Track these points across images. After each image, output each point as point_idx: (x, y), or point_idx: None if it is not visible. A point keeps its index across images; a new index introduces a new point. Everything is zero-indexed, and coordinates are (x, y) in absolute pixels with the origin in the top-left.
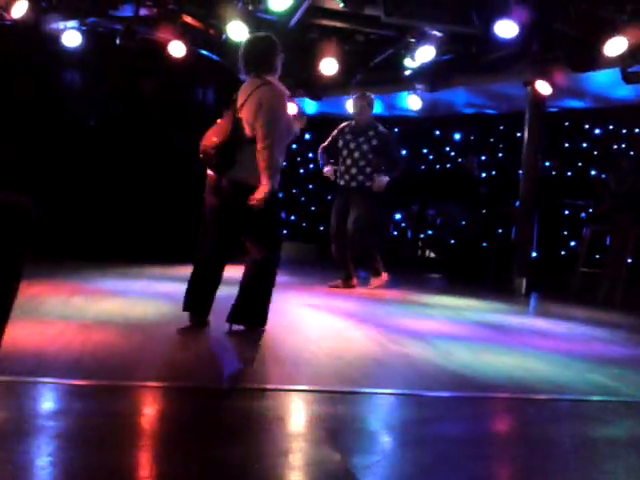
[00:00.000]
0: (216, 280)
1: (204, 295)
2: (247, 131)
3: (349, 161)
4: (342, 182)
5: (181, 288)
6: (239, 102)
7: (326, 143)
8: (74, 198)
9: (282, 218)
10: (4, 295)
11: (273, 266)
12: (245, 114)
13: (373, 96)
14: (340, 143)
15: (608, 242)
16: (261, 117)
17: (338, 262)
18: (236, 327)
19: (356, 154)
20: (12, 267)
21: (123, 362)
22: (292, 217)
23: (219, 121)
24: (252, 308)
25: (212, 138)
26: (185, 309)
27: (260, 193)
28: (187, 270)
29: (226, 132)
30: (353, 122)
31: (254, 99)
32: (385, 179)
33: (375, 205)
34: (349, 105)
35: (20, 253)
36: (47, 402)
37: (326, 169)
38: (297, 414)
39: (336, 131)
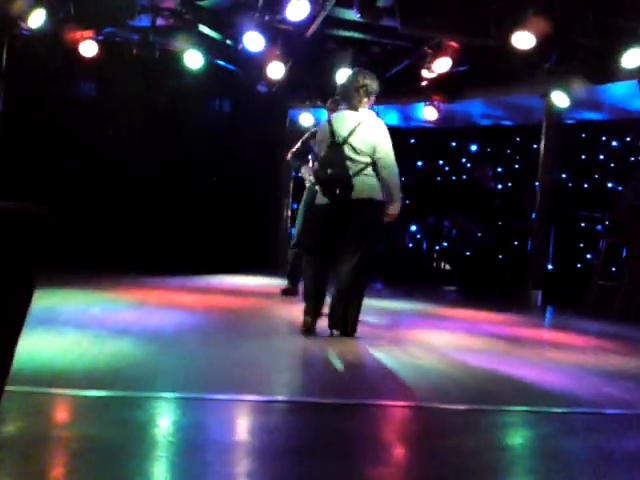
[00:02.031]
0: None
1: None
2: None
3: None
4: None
5: (197, 299)
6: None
7: (295, 148)
8: (91, 209)
9: None
10: (19, 304)
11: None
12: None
13: None
14: (312, 142)
15: (624, 254)
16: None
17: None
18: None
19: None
20: (28, 276)
21: (139, 372)
22: None
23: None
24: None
25: (328, 169)
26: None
27: (395, 210)
28: (203, 281)
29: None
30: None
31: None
32: None
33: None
34: (329, 109)
35: (36, 262)
36: (62, 412)
37: (303, 169)
38: (309, 426)
39: (307, 135)
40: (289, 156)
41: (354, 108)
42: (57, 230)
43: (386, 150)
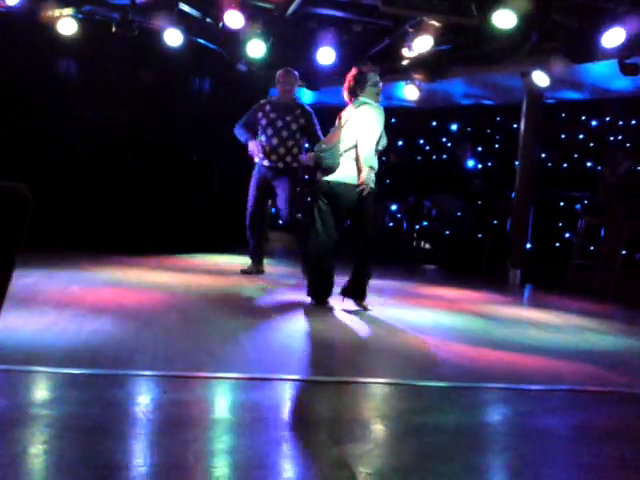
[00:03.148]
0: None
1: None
2: None
3: (275, 140)
4: (266, 162)
5: (178, 278)
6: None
7: (243, 121)
8: (71, 188)
9: None
10: None
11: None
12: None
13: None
14: (263, 122)
15: (603, 234)
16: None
17: (253, 244)
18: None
19: (284, 133)
20: (7, 255)
21: (118, 351)
22: None
23: None
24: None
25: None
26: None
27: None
28: (182, 260)
29: None
30: (274, 99)
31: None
32: (311, 155)
33: (295, 190)
34: (281, 83)
35: (15, 240)
36: (42, 391)
37: (252, 143)
38: (290, 403)
39: (255, 108)
40: (236, 127)
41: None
42: (36, 208)
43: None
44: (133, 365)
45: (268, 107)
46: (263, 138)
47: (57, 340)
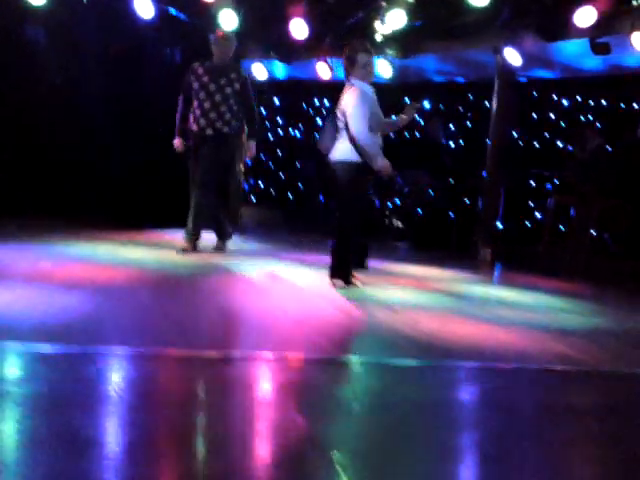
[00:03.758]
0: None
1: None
2: None
3: (207, 104)
4: (195, 127)
5: (149, 253)
6: None
7: (181, 94)
8: (39, 158)
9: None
10: None
11: None
12: None
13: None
14: (195, 85)
15: (572, 213)
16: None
17: (188, 221)
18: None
19: (217, 97)
20: None
21: (89, 328)
22: (260, 184)
23: None
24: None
25: None
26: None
27: None
28: (155, 236)
29: None
30: (208, 62)
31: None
32: (254, 145)
33: (227, 157)
34: (218, 45)
35: None
36: (11, 367)
37: (176, 142)
38: (263, 381)
39: (187, 73)
40: (179, 103)
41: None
42: (3, 180)
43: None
44: (104, 341)
45: (201, 70)
46: (194, 102)
47: (26, 315)
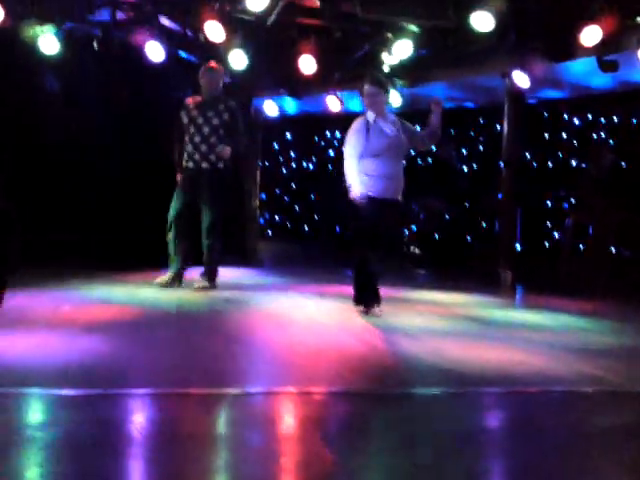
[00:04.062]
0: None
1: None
2: None
3: (198, 138)
4: (191, 164)
5: (165, 294)
6: None
7: (176, 130)
8: (55, 206)
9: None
10: None
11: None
12: None
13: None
14: (185, 120)
15: (590, 232)
16: None
17: (175, 251)
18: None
19: (205, 130)
20: None
21: (111, 370)
22: (276, 218)
23: None
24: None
25: None
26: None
27: None
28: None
29: None
30: (198, 98)
31: None
32: (228, 148)
33: (226, 191)
34: (205, 78)
35: (6, 262)
36: (35, 412)
37: (179, 177)
38: (288, 416)
39: (180, 109)
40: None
41: None
42: (23, 228)
43: None
44: (126, 383)
45: (190, 105)
46: (186, 137)
47: (49, 360)
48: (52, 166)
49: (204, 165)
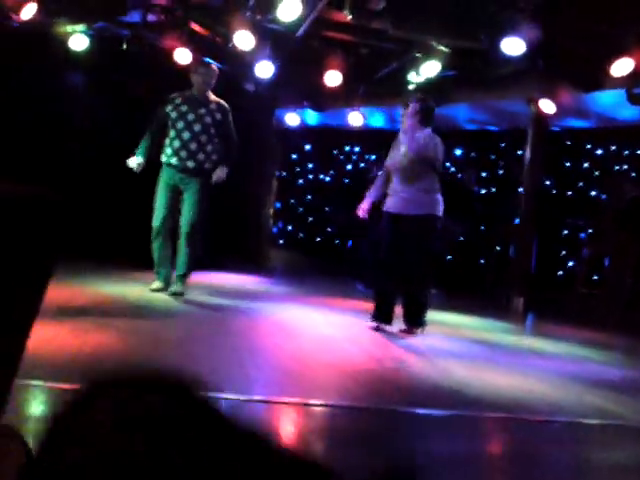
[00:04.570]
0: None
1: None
2: None
3: (187, 134)
4: (174, 160)
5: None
6: None
7: (156, 123)
8: (77, 200)
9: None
10: (35, 296)
11: None
12: None
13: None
14: (173, 114)
15: (607, 263)
16: None
17: (160, 259)
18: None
19: (197, 127)
20: (44, 267)
21: (120, 366)
22: (289, 227)
23: None
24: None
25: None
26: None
27: None
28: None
29: None
30: (187, 93)
31: None
32: (225, 170)
33: (208, 194)
34: (199, 74)
35: (53, 251)
36: (40, 405)
37: (135, 160)
38: (288, 426)
39: (162, 103)
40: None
41: None
42: (71, 219)
43: None
44: None
45: (179, 100)
46: (172, 133)
47: (57, 353)
48: (81, 164)
49: (190, 164)
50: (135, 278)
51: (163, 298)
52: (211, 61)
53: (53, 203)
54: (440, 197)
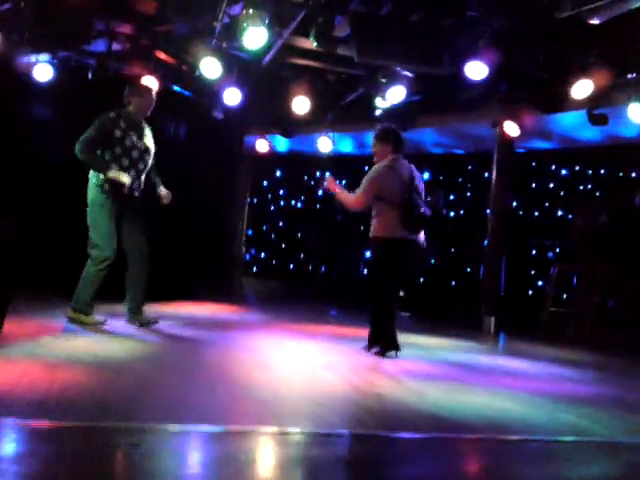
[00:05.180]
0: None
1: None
2: None
3: (130, 157)
4: (126, 189)
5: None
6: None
7: (91, 140)
8: (40, 233)
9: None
10: None
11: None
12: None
13: None
14: (117, 133)
15: (575, 281)
16: None
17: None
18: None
19: (139, 150)
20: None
21: (91, 402)
22: (262, 254)
23: None
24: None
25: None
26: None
27: None
28: (154, 308)
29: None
30: (124, 112)
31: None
32: (169, 192)
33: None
34: (144, 97)
35: (10, 282)
36: (11, 444)
37: (124, 176)
38: (269, 456)
39: (104, 122)
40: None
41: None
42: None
43: None
44: (107, 417)
45: (123, 123)
46: (126, 161)
47: (27, 391)
48: (45, 194)
49: (136, 193)
50: (103, 310)
51: (133, 330)
52: (179, 89)
53: (11, 233)
54: (377, 220)
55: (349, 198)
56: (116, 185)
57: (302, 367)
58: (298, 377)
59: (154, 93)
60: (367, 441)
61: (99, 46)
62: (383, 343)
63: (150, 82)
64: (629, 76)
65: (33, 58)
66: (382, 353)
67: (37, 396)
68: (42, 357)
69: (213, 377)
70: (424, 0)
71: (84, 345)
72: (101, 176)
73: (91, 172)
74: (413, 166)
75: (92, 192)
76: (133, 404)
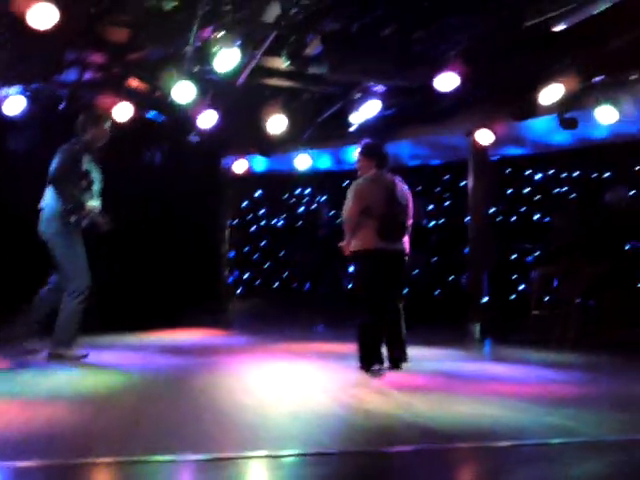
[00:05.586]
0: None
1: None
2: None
3: (89, 188)
4: (86, 221)
5: (130, 358)
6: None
7: (65, 172)
8: (13, 269)
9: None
10: None
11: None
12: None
13: None
14: (83, 165)
15: (556, 284)
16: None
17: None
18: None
19: (94, 181)
20: None
21: (73, 439)
22: (246, 275)
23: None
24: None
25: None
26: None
27: None
28: (135, 338)
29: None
30: (81, 142)
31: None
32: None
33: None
34: (105, 127)
35: None
36: None
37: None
38: None
39: (73, 153)
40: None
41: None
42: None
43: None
44: (91, 452)
45: (85, 155)
46: (89, 192)
47: (6, 430)
48: (21, 227)
49: (84, 222)
50: (83, 342)
51: (118, 363)
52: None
53: None
54: (356, 235)
55: (347, 225)
56: (84, 215)
57: (289, 388)
58: (286, 399)
59: (110, 123)
60: (358, 458)
61: (70, 76)
62: (374, 358)
63: (125, 109)
64: (596, 79)
65: (3, 91)
66: (369, 368)
67: (17, 434)
68: (21, 395)
69: (199, 405)
70: (394, 14)
71: (64, 380)
72: (62, 206)
73: (47, 203)
74: (398, 178)
75: (54, 224)
76: (120, 437)
